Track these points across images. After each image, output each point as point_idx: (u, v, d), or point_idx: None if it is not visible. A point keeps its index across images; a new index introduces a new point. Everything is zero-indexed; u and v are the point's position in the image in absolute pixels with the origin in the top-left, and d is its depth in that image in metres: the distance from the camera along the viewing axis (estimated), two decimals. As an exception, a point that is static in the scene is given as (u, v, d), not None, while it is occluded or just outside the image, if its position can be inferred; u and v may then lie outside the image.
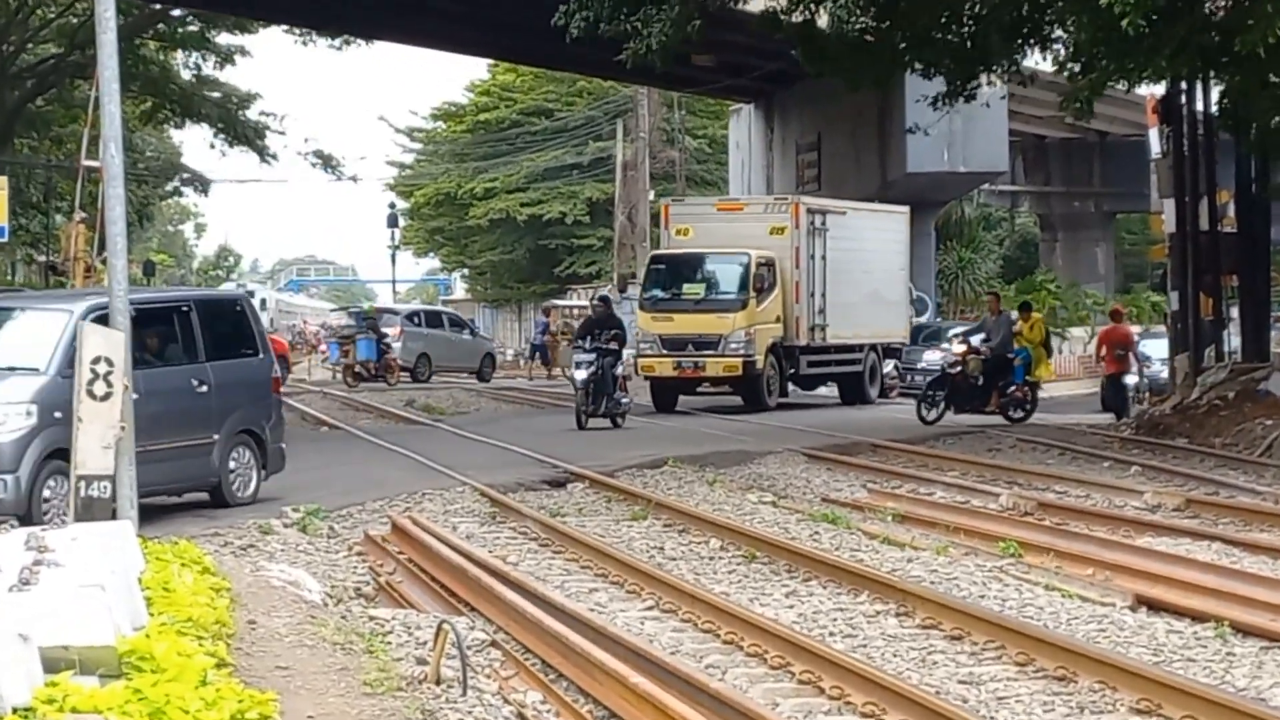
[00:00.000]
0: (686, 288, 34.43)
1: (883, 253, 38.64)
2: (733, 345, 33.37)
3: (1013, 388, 30.46)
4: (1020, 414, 30.39)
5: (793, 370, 35.68)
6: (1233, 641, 11.99)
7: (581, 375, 29.00)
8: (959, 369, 30.22)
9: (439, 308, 68.81)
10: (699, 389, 35.26)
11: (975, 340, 30.91)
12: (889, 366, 39.86)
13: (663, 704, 9.36)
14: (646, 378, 34.87)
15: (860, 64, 29.08)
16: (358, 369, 44.85)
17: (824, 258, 35.81)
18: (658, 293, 34.65)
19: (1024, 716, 10.02)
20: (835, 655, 10.88)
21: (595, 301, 31.70)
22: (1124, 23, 21.46)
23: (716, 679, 10.46)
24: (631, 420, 30.05)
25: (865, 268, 37.47)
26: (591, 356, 28.81)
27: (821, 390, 39.45)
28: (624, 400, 29.50)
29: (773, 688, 10.68)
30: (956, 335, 30.94)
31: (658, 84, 58.67)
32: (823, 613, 13.06)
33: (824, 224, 36.11)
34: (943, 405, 30.14)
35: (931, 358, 38.83)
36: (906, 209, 40.75)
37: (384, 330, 46.03)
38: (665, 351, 33.89)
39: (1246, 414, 25.97)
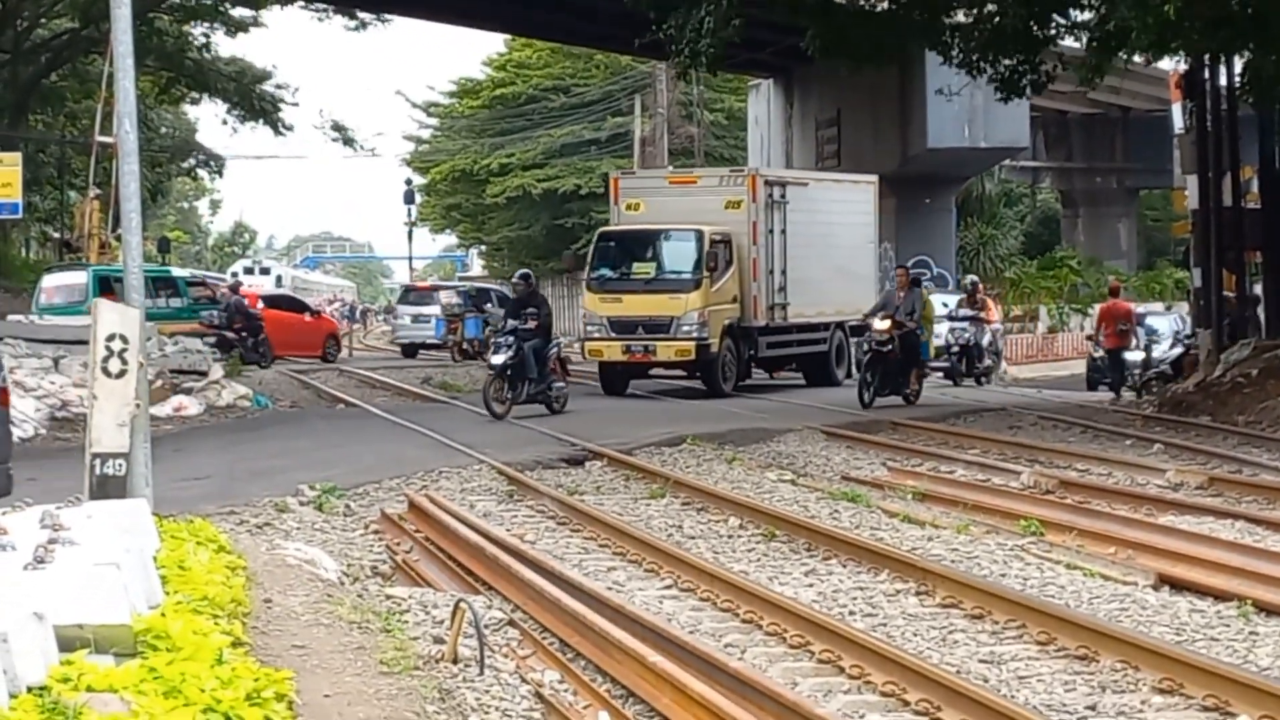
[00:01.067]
0: (636, 267, 32.64)
1: (849, 225, 37.06)
2: (685, 328, 31.66)
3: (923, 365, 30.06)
4: (917, 394, 29.41)
5: (751, 353, 33.87)
6: (1256, 620, 11.91)
7: (497, 360, 26.58)
8: (889, 347, 28.66)
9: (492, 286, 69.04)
10: (650, 372, 33.62)
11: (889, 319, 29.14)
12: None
13: (681, 683, 9.31)
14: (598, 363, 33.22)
15: (878, 44, 29.06)
16: (465, 346, 47.04)
17: (784, 232, 34.16)
18: (606, 272, 32.76)
19: (1045, 696, 9.95)
20: (855, 634, 10.82)
21: (515, 280, 28.98)
22: (1166, 7, 21.43)
23: (735, 658, 10.41)
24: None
25: (830, 241, 35.86)
26: (509, 339, 26.51)
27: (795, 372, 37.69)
28: (557, 384, 27.34)
29: (792, 667, 10.63)
30: (876, 312, 29.20)
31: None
32: (842, 591, 13.01)
33: (784, 196, 34.46)
34: (875, 387, 28.56)
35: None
36: (874, 178, 39.35)
37: (487, 309, 47.03)
38: (614, 335, 32.13)
39: (1270, 391, 25.85)
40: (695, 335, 31.59)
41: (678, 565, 13.71)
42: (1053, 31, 29.91)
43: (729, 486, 18.79)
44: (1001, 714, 8.85)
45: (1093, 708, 9.66)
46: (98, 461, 12.56)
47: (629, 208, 33.84)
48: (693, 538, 15.74)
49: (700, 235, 31.91)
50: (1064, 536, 15.41)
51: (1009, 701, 9.34)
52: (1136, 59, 28.09)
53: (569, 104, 75.05)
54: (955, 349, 35.42)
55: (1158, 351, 36.17)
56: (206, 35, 57.16)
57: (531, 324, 26.62)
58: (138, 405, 12.72)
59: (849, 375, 35.63)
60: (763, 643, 11.31)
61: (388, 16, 54.87)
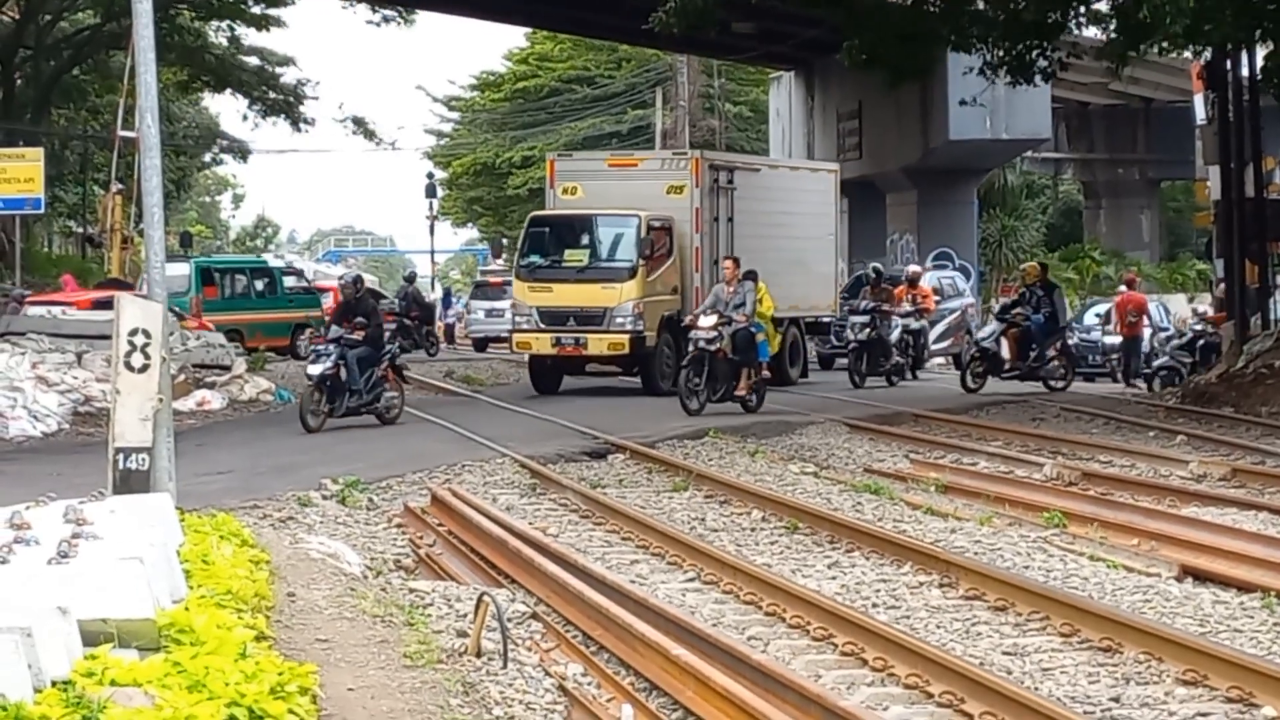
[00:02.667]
0: (568, 254, 30.31)
1: (807, 215, 34.78)
2: (619, 320, 29.37)
3: (760, 367, 26.86)
4: (755, 399, 26.50)
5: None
6: (1280, 612, 11.90)
7: (314, 370, 24.12)
8: (716, 346, 25.58)
9: None
10: (587, 369, 31.55)
11: (718, 314, 26.20)
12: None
13: (705, 676, 9.31)
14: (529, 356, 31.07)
15: (909, 54, 29.09)
16: None
17: (731, 220, 31.78)
18: (536, 259, 30.44)
19: (1069, 688, 9.94)
20: (878, 627, 10.81)
21: (344, 284, 26.16)
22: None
23: (759, 651, 10.41)
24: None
25: (785, 232, 33.46)
26: (329, 349, 24.06)
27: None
28: (389, 394, 24.76)
29: (815, 659, 10.62)
30: (705, 310, 26.22)
31: (697, 51, 58.54)
32: (865, 584, 13.00)
33: (731, 182, 32.10)
34: (705, 392, 25.63)
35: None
36: (836, 165, 37.66)
37: None
38: (543, 326, 29.79)
39: (1293, 382, 25.82)
40: (630, 328, 29.44)
41: (700, 558, 13.71)
42: (1072, 21, 29.85)
43: (751, 479, 18.78)
44: (1025, 706, 8.84)
45: (1117, 699, 9.64)
46: (121, 456, 12.59)
47: (565, 192, 31.70)
48: (715, 530, 15.74)
49: (637, 221, 29.83)
50: (1087, 528, 15.38)
51: (1033, 693, 9.32)
52: (1159, 48, 27.92)
53: (591, 96, 75.03)
54: (853, 345, 32.56)
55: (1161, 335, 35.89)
56: (231, 28, 57.09)
57: (357, 333, 24.31)
58: (160, 400, 12.75)
59: (804, 375, 34.23)
60: (786, 635, 11.31)
61: (412, 15, 54.82)
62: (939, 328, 39.09)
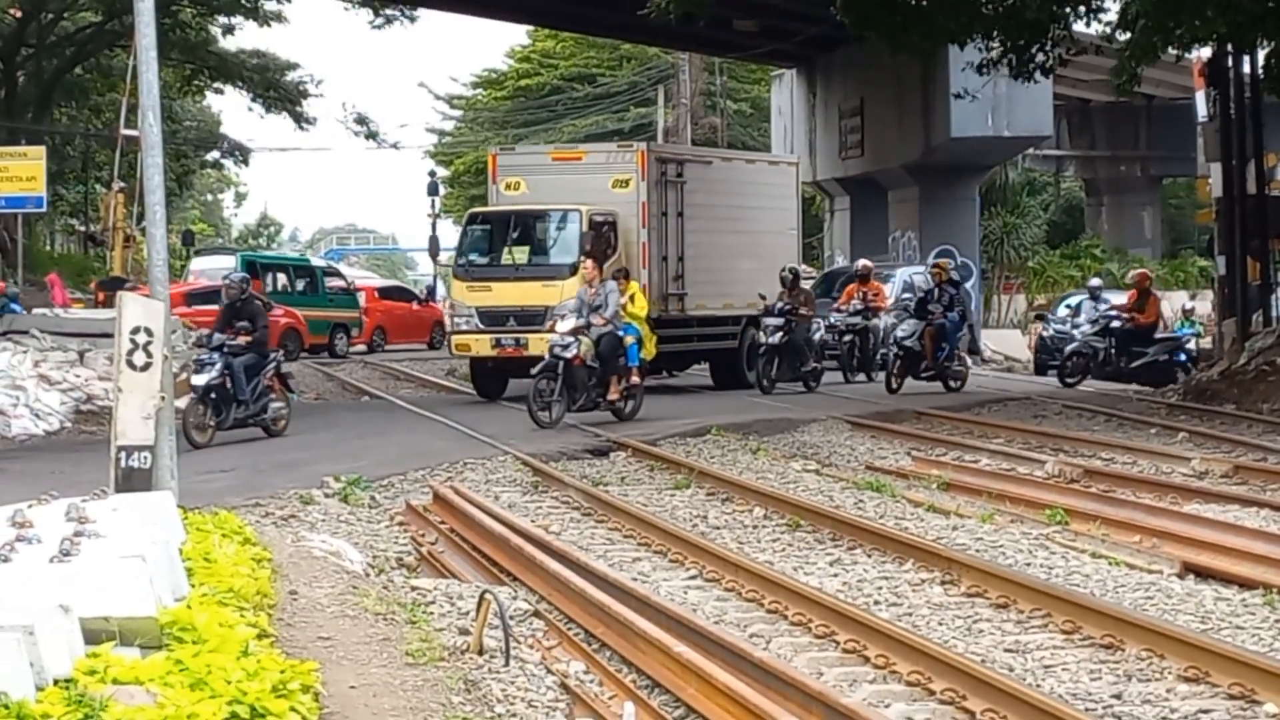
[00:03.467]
0: (507, 252, 29.26)
1: (766, 209, 33.36)
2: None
3: (630, 372, 24.83)
4: (629, 405, 24.76)
5: None
6: (1282, 608, 11.89)
7: (199, 381, 22.36)
8: (573, 352, 23.57)
9: None
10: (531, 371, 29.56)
11: (578, 319, 24.11)
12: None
13: (706, 673, 9.31)
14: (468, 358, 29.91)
15: (904, 28, 29.04)
16: None
17: (680, 214, 30.63)
18: (475, 257, 29.13)
19: (1071, 685, 9.93)
20: (880, 624, 10.81)
21: (228, 284, 24.21)
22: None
23: (760, 648, 10.40)
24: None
25: (742, 226, 32.28)
26: (213, 357, 22.54)
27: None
28: (275, 404, 23.17)
29: (817, 657, 10.62)
30: (562, 314, 24.31)
31: (699, 49, 58.48)
32: (867, 581, 13.00)
33: (680, 174, 30.85)
34: (563, 402, 23.59)
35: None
36: (796, 158, 36.48)
37: None
38: (482, 327, 28.48)
39: (1294, 379, 25.82)
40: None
41: (703, 555, 13.71)
42: (1075, 22, 29.91)
43: (753, 477, 18.79)
44: (1027, 703, 8.84)
45: (1118, 696, 9.64)
46: (123, 454, 12.61)
47: (508, 187, 30.41)
48: (717, 528, 15.74)
49: (578, 216, 28.48)
50: (1089, 525, 15.38)
51: (1034, 690, 9.32)
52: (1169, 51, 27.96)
53: (593, 95, 74.99)
54: (762, 350, 30.26)
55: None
56: (229, 21, 57.00)
57: (242, 339, 22.72)
58: (163, 398, 12.76)
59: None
60: (788, 632, 11.31)
61: (414, 13, 54.78)
62: (910, 324, 38.02)
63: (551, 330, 24.67)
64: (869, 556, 14.04)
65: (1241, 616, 11.70)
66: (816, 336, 31.67)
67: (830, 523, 15.38)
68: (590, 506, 16.81)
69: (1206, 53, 32.44)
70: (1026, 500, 16.94)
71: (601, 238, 28.53)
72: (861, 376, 32.68)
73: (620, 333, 24.42)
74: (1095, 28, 31.07)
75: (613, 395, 24.40)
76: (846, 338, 32.75)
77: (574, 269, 27.89)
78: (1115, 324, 31.12)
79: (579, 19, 55.02)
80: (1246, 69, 31.12)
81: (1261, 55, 29.72)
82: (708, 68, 66.47)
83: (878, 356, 33.11)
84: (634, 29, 49.26)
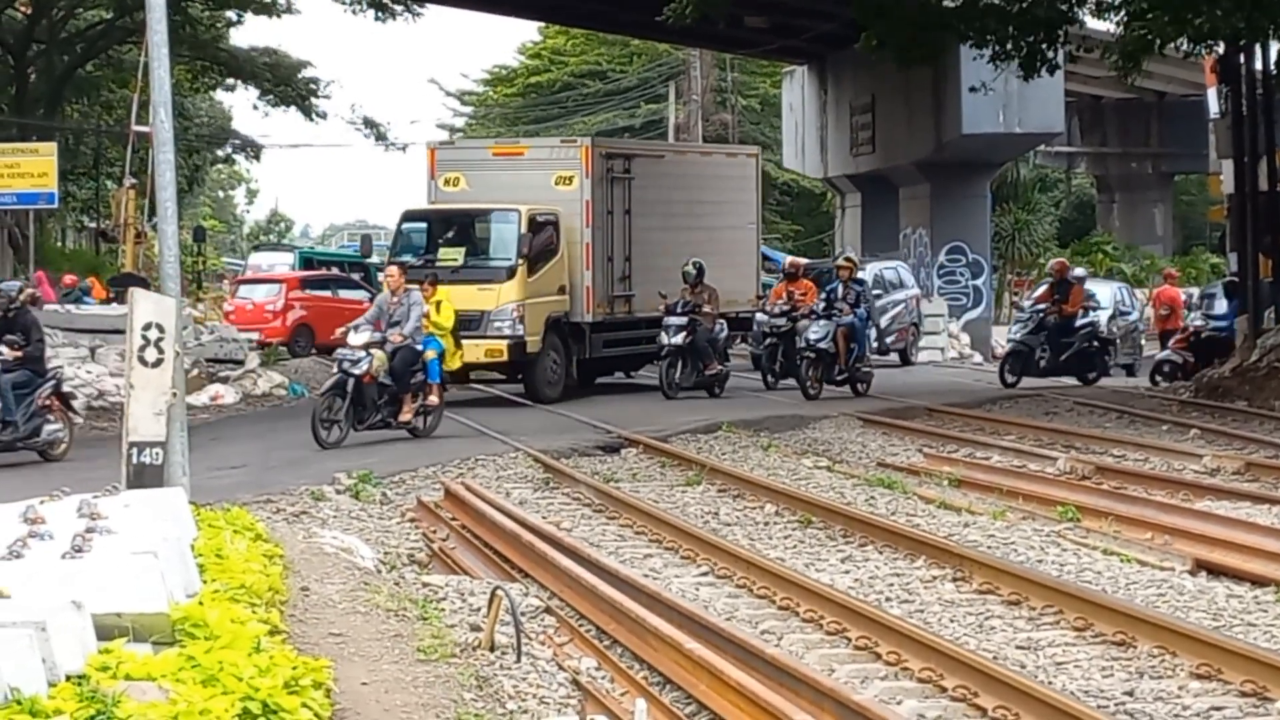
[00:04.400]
0: (442, 252, 27.50)
1: (722, 204, 31.88)
2: (497, 324, 26.66)
3: (429, 389, 22.71)
4: (426, 423, 22.73)
5: (581, 354, 28.39)
6: (1293, 605, 11.87)
7: None
8: (363, 369, 21.49)
9: None
10: (471, 376, 28.11)
11: (372, 332, 22.01)
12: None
13: (718, 670, 9.31)
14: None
15: (914, 29, 29.03)
16: None
17: (628, 212, 29.17)
18: (408, 259, 26.80)
19: (1083, 681, 9.93)
20: (892, 620, 10.81)
21: None
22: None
23: (772, 645, 10.40)
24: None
25: (695, 223, 30.62)
26: None
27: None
28: (50, 425, 20.80)
29: (829, 653, 10.62)
30: (356, 326, 22.31)
31: (710, 46, 58.47)
32: (879, 578, 12.99)
33: (628, 170, 29.40)
34: (350, 422, 21.51)
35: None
36: (755, 149, 35.17)
37: None
38: None
39: (1307, 376, 25.77)
40: (509, 333, 26.72)
41: (714, 552, 13.71)
42: (1082, 16, 29.87)
43: (765, 473, 18.78)
44: (1039, 700, 8.83)
45: (1130, 693, 9.63)
46: (135, 450, 12.62)
47: (447, 183, 29.07)
48: (729, 525, 15.74)
49: (517, 216, 27.12)
50: (1100, 522, 15.36)
51: (1046, 687, 9.31)
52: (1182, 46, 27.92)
53: (603, 91, 74.95)
54: (665, 352, 28.13)
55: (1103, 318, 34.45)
56: (238, 14, 56.99)
57: (10, 353, 20.57)
58: (174, 394, 12.77)
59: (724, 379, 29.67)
60: (799, 629, 11.31)
61: (419, 9, 54.71)
62: (881, 322, 35.96)
63: (480, 335, 24.03)
64: (880, 553, 14.03)
65: (1253, 614, 11.69)
66: (721, 339, 29.24)
67: (842, 519, 15.37)
68: (601, 503, 16.81)
69: (1219, 49, 32.34)
70: (1038, 497, 16.92)
71: (542, 238, 27.42)
72: (792, 382, 28.79)
73: (420, 347, 22.44)
74: (1106, 25, 31.06)
75: (405, 415, 22.28)
76: (768, 341, 30.01)
77: (511, 271, 26.93)
78: (1049, 319, 30.53)
79: (590, 15, 54.99)
80: (1259, 65, 31.05)
81: (1274, 51, 29.67)
82: (719, 64, 66.45)
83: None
84: (646, 26, 49.16)
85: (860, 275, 30.03)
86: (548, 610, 11.63)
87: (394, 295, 22.65)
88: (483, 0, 53.24)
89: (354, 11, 51.92)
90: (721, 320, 29.38)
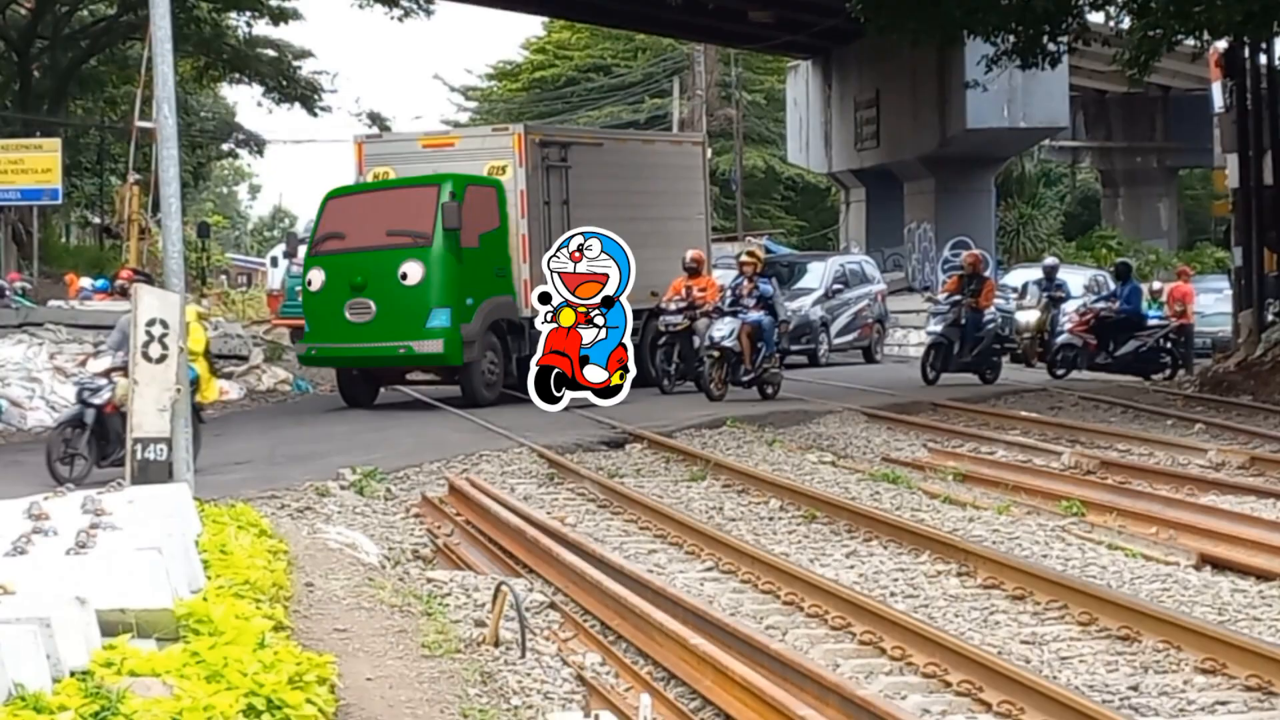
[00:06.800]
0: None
1: (668, 194, 30.40)
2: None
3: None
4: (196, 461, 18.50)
5: (520, 352, 25.70)
6: (1299, 600, 11.86)
7: None
8: (106, 397, 18.27)
9: None
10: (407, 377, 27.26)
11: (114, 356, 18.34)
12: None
13: (723, 665, 9.31)
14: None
15: (919, 20, 28.97)
16: None
17: (565, 202, 27.39)
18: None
19: (1087, 676, 9.92)
20: (896, 615, 10.80)
21: None
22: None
23: (777, 640, 10.39)
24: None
25: (639, 214, 28.23)
26: None
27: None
28: None
29: (833, 648, 10.61)
30: (98, 351, 19.78)
31: (715, 40, 58.49)
32: (883, 573, 12.98)
33: (564, 158, 27.79)
34: (93, 456, 18.28)
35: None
36: (701, 136, 34.47)
37: None
38: None
39: (1311, 371, 25.76)
40: (440, 328, 25.31)
41: (718, 547, 13.70)
42: (1089, 13, 29.83)
43: (769, 468, 18.76)
44: (1043, 695, 8.82)
45: (1135, 688, 9.62)
46: (139, 446, 12.64)
47: (376, 177, 27.43)
48: (733, 520, 15.73)
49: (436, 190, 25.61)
50: (1105, 517, 15.35)
51: (1051, 682, 9.31)
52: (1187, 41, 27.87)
53: (608, 86, 74.93)
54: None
55: (1070, 308, 33.59)
56: (249, 24, 57.05)
57: None
58: (178, 390, 12.78)
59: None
60: (804, 624, 11.30)
61: (431, 6, 54.73)
62: (842, 319, 35.61)
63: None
64: (885, 548, 14.02)
65: (1259, 608, 11.68)
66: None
67: (846, 514, 15.36)
68: (606, 498, 16.80)
69: (1223, 44, 32.31)
70: (1043, 492, 16.90)
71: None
72: (691, 385, 27.31)
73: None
74: (1103, 18, 31.01)
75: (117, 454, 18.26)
76: (664, 340, 27.78)
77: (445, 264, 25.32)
78: (965, 314, 30.05)
79: (595, 10, 54.98)
80: (1264, 60, 31.02)
81: (1279, 46, 29.63)
82: (723, 59, 66.44)
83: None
84: (650, 20, 49.28)
85: (768, 272, 28.38)
86: (552, 606, 11.62)
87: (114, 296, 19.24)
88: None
89: (360, 6, 51.99)
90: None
